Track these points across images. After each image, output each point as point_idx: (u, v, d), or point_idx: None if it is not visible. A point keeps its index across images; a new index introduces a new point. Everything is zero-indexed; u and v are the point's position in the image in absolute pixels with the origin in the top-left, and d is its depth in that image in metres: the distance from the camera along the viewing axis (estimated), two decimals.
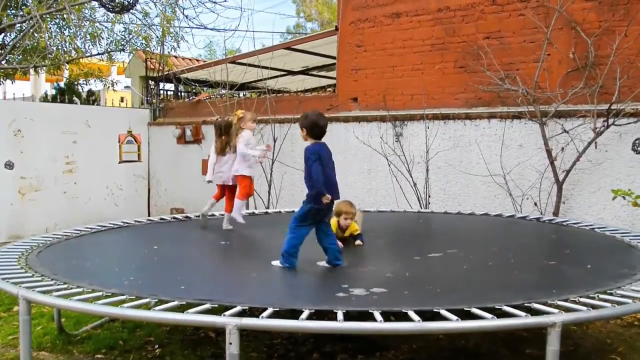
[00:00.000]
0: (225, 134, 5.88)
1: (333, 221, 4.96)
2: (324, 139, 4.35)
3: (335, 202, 4.55)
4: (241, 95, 12.53)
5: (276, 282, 4.07)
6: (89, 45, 10.51)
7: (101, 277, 3.86)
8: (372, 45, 8.49)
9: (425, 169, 7.80)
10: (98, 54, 10.81)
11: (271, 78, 11.14)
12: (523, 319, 2.93)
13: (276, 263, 4.28)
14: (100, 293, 3.41)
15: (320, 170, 4.15)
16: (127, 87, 16.81)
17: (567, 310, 3.07)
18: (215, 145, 5.97)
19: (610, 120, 6.46)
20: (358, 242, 5.07)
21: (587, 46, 6.72)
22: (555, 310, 3.02)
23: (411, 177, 7.85)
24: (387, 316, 2.98)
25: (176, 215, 7.08)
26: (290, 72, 13.05)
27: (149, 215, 10.58)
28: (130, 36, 10.54)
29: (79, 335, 4.89)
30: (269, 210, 7.81)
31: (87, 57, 10.94)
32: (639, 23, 6.49)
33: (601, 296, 3.29)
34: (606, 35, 6.66)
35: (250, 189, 5.89)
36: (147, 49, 10.75)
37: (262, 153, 5.79)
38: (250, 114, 5.80)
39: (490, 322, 2.92)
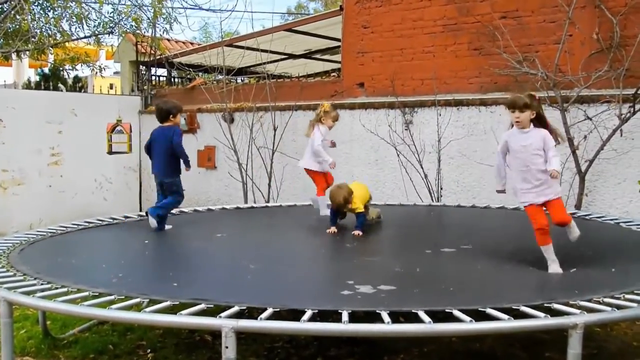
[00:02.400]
0: None
1: None
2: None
3: None
4: (239, 80, 12.50)
5: (276, 278, 4.06)
6: (75, 28, 10.53)
7: (88, 276, 3.85)
8: (380, 26, 8.44)
9: (437, 159, 7.77)
10: (85, 37, 10.80)
11: (271, 62, 11.10)
12: (542, 320, 2.91)
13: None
14: (86, 293, 3.40)
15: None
16: (116, 72, 16.80)
17: (590, 310, 3.05)
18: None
19: (637, 106, 6.41)
20: (357, 232, 5.22)
21: (612, 26, 6.67)
22: (577, 311, 3.00)
23: (422, 168, 7.83)
24: (396, 317, 2.97)
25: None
26: (292, 56, 13.01)
27: (140, 210, 10.59)
28: (120, 18, 10.52)
29: (66, 339, 4.90)
30: (269, 204, 7.81)
31: (73, 40, 10.92)
32: None
33: (627, 296, 3.27)
34: (633, 13, 6.60)
35: (329, 179, 6.03)
36: (138, 31, 10.73)
37: (332, 164, 5.90)
38: (335, 112, 6.00)
39: (506, 323, 2.90)
